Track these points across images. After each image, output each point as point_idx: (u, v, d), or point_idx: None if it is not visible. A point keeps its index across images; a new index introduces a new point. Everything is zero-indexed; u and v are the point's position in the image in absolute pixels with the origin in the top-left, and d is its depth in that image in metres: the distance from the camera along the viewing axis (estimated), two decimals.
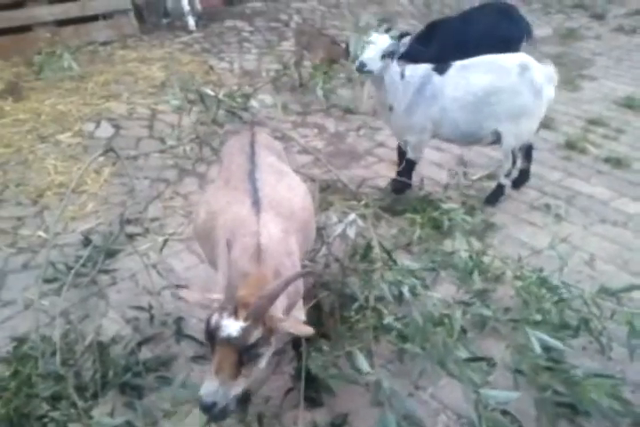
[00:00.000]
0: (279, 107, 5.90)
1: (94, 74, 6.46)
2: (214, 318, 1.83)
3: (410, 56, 4.23)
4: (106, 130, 5.43)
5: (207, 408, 1.78)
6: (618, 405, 2.50)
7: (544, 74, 3.92)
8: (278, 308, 1.98)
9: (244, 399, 2.14)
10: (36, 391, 2.33)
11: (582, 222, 4.19)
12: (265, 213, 2.30)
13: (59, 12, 7.10)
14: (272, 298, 1.83)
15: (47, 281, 3.40)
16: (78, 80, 6.23)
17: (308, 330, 1.88)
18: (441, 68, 3.99)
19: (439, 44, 5.26)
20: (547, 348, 2.63)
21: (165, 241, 3.72)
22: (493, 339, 3.06)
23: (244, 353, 1.80)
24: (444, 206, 3.53)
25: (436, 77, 3.95)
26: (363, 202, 3.77)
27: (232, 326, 1.78)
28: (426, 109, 3.98)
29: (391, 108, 4.06)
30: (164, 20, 8.54)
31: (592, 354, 2.96)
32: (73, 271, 3.32)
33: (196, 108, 5.61)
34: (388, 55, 3.78)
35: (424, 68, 4.01)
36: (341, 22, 9.06)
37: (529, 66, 3.88)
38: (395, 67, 3.90)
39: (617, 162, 5.00)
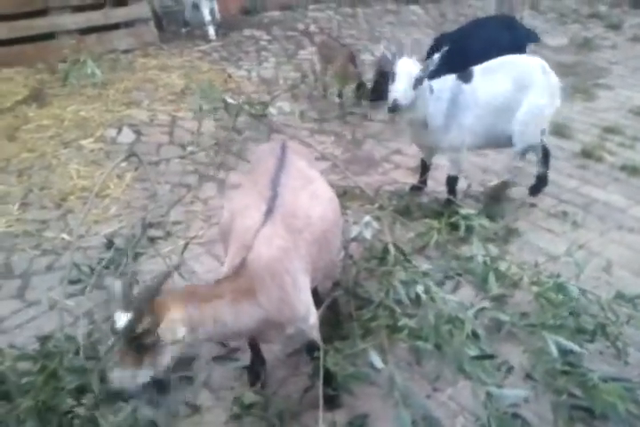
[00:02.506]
0: (297, 114, 5.98)
1: (115, 81, 6.59)
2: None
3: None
4: (127, 136, 5.54)
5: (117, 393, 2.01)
6: (635, 408, 2.52)
7: (556, 79, 4.00)
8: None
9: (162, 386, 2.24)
10: (62, 385, 2.40)
11: (599, 229, 4.21)
12: (270, 225, 2.29)
13: (82, 20, 7.26)
14: (150, 292, 1.91)
15: (71, 282, 3.49)
16: (100, 87, 6.36)
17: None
18: (465, 75, 3.94)
19: (447, 57, 5.28)
20: (563, 352, 2.66)
21: (187, 244, 3.78)
22: (511, 344, 3.08)
23: (134, 343, 1.89)
24: (462, 212, 3.57)
25: (465, 86, 3.89)
26: (377, 205, 3.84)
27: (120, 319, 1.86)
28: (462, 121, 3.90)
29: (426, 126, 3.92)
30: (184, 29, 8.70)
31: (609, 359, 2.97)
32: (96, 273, 3.41)
33: (216, 115, 5.74)
34: (419, 82, 3.61)
35: (450, 79, 3.92)
36: (358, 32, 9.17)
37: (547, 68, 3.97)
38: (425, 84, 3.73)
39: (633, 170, 5.01)
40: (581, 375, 2.64)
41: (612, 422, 2.58)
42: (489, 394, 2.34)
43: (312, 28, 9.17)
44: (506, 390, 2.41)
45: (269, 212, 2.35)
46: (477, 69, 3.99)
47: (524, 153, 4.31)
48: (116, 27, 7.66)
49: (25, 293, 3.72)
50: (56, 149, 5.27)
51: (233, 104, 5.03)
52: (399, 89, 3.57)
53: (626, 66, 8.14)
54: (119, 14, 7.63)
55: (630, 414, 2.51)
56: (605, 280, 3.60)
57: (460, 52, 5.05)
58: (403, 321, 2.74)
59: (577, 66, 7.95)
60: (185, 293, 2.07)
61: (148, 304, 1.89)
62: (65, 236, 4.22)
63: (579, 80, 7.24)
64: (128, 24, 7.77)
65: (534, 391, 2.78)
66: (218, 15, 8.44)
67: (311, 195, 2.61)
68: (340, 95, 6.46)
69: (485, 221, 3.59)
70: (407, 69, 3.57)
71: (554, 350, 2.55)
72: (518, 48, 5.31)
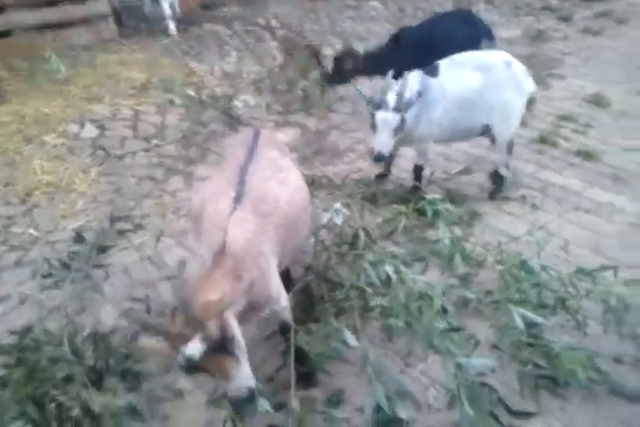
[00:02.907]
0: (263, 107, 6.03)
1: (76, 77, 6.50)
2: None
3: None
4: (90, 131, 5.49)
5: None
6: (595, 375, 2.69)
7: (522, 69, 4.10)
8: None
9: None
10: (45, 375, 2.42)
11: (557, 211, 4.40)
12: (241, 210, 2.37)
13: (38, 17, 7.12)
14: (185, 304, 1.95)
15: (42, 276, 3.48)
16: (61, 83, 6.27)
17: None
18: (431, 70, 4.00)
19: (407, 52, 5.36)
20: (527, 325, 2.79)
21: (159, 237, 3.81)
22: (478, 320, 3.21)
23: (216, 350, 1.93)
24: (428, 197, 3.68)
25: (433, 80, 3.95)
26: (346, 192, 3.93)
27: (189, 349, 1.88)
28: (430, 115, 3.97)
29: None
30: (143, 25, 8.60)
31: (569, 331, 3.11)
32: (73, 268, 3.42)
33: (180, 109, 5.74)
34: (398, 131, 3.78)
35: (416, 75, 3.96)
36: (319, 26, 9.22)
37: (511, 62, 4.04)
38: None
39: (587, 155, 5.24)
40: (544, 346, 2.79)
41: (574, 388, 2.74)
42: (458, 365, 2.46)
43: (273, 22, 9.19)
44: (473, 359, 2.53)
45: (238, 197, 2.42)
46: (443, 64, 4.06)
47: (508, 144, 4.42)
48: (73, 23, 7.54)
49: None
50: (19, 145, 5.20)
51: (197, 97, 5.07)
52: (380, 141, 3.79)
53: (578, 56, 8.41)
54: (77, 11, 7.50)
55: (591, 380, 2.67)
56: (564, 258, 3.78)
57: (422, 48, 5.17)
58: (374, 301, 2.84)
59: (531, 57, 8.16)
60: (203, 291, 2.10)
61: (194, 316, 1.91)
62: (32, 231, 4.19)
63: (533, 71, 7.41)
64: (86, 20, 7.65)
65: (500, 362, 2.92)
66: (178, 10, 8.39)
67: (280, 182, 2.69)
68: (303, 88, 6.51)
69: (450, 206, 3.71)
70: (386, 122, 3.74)
71: (519, 322, 2.68)
72: (474, 42, 5.45)
